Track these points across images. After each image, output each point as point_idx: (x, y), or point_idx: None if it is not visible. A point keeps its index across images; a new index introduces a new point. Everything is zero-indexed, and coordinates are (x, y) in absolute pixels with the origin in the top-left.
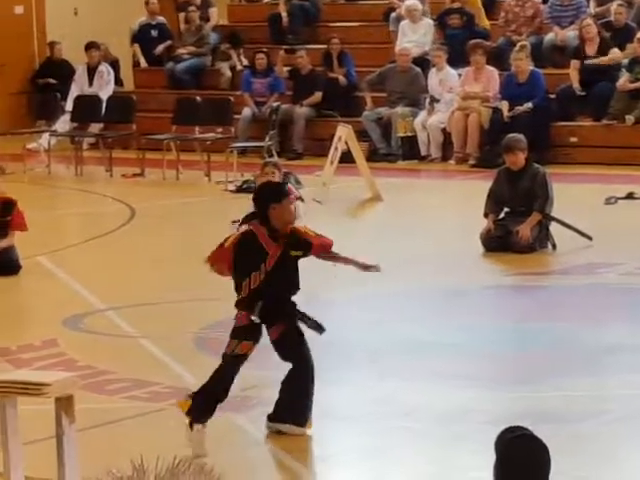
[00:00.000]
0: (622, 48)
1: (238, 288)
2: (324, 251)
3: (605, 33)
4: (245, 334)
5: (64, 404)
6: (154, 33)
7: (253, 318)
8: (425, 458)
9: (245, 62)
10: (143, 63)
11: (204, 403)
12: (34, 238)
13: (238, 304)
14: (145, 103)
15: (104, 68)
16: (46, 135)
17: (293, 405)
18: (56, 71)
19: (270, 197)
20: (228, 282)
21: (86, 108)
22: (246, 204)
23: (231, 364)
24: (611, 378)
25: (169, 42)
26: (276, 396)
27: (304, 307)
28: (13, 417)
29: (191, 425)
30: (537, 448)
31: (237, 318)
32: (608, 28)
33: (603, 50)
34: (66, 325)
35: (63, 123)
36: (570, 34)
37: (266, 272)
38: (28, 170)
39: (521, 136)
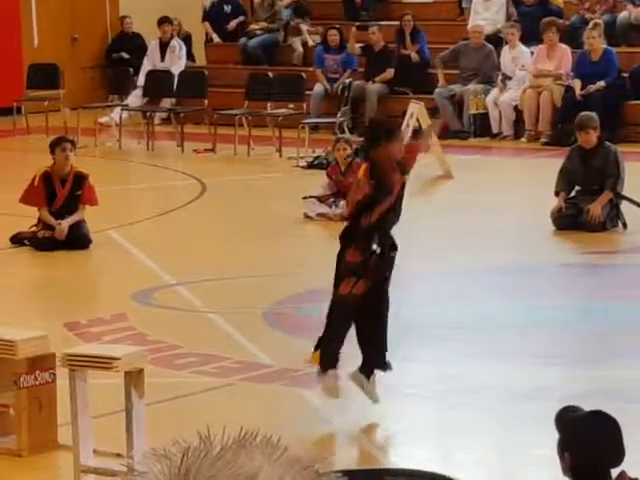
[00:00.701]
0: None
1: (358, 218)
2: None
3: None
4: (361, 271)
5: (134, 378)
6: (227, 9)
7: (374, 247)
8: (491, 436)
9: (314, 35)
10: (216, 39)
11: (330, 349)
12: (105, 212)
13: (353, 240)
14: (217, 78)
15: (176, 43)
16: (118, 109)
17: (380, 353)
18: (129, 45)
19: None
20: (297, 258)
21: (158, 83)
22: (317, 180)
23: (349, 305)
24: None
25: (242, 18)
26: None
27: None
28: (83, 390)
29: (324, 371)
30: (610, 425)
31: (348, 254)
32: None
33: None
34: (135, 299)
35: (135, 97)
36: None
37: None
38: (100, 144)
39: (594, 114)
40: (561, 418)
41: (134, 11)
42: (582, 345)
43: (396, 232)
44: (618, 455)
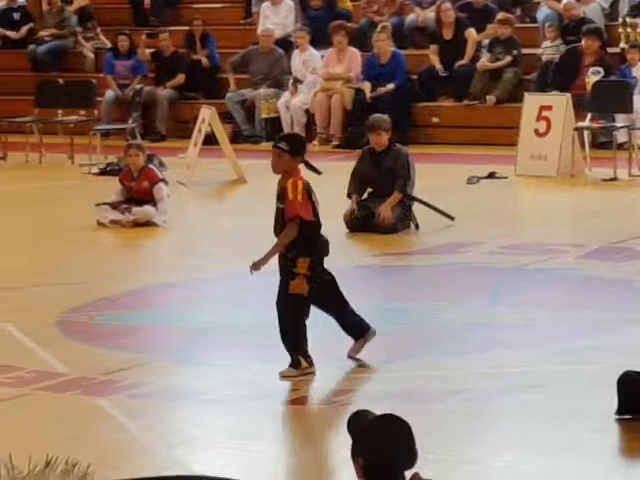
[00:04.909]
0: (482, 29)
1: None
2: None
3: (461, 15)
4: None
5: None
6: (16, 16)
7: None
8: (286, 441)
9: (95, 41)
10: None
11: None
12: None
13: None
14: (6, 85)
15: None
16: None
17: None
18: None
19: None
20: (90, 266)
21: None
22: (110, 187)
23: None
24: (471, 357)
25: (31, 24)
26: (141, 380)
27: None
28: None
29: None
30: (400, 427)
31: None
32: (468, 9)
33: (460, 32)
34: None
35: None
36: (431, 15)
37: None
38: None
39: (385, 116)
40: (352, 423)
41: None
42: (375, 346)
43: (197, 237)
44: (410, 457)
